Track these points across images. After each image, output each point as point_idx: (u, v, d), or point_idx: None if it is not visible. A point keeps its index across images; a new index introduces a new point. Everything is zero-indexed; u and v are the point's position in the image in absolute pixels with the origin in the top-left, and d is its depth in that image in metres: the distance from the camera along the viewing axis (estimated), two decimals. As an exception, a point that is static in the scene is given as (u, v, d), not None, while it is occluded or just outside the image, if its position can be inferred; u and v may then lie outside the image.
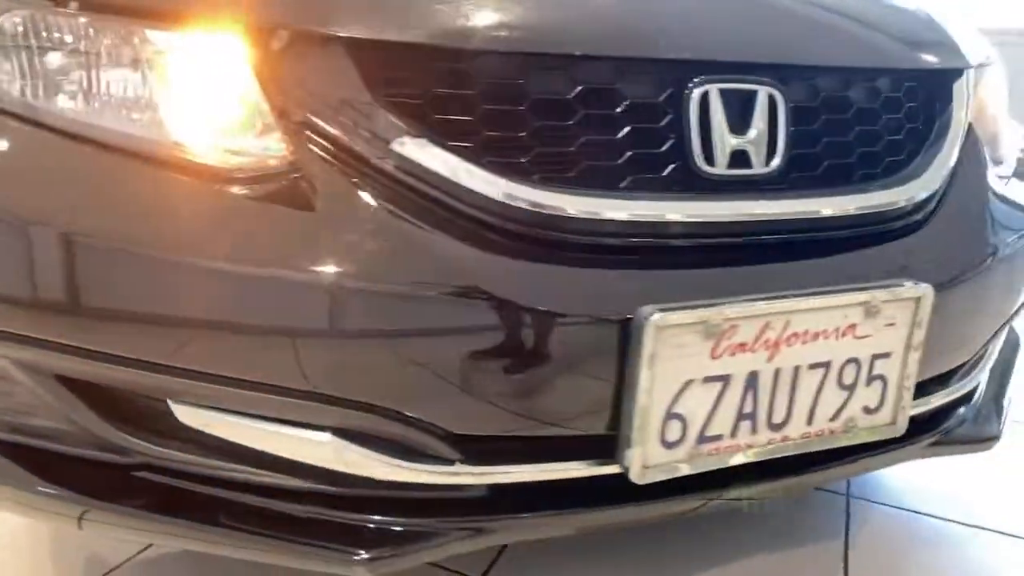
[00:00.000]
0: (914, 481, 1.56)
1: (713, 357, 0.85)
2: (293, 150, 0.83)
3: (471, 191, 0.84)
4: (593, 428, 0.86)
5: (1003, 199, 1.16)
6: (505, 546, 1.31)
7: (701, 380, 0.85)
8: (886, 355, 0.94)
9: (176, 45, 0.85)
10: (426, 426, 0.85)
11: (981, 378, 1.20)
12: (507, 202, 0.84)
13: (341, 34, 0.83)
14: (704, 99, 0.92)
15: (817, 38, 1.01)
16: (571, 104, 0.89)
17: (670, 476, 0.87)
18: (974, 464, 1.56)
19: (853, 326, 0.91)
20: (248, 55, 0.84)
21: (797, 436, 0.93)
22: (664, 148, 0.92)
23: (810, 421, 0.93)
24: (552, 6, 0.91)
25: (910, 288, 0.92)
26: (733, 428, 0.89)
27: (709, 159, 0.92)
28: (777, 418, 0.91)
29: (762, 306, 0.85)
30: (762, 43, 0.96)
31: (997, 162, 1.23)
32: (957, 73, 1.14)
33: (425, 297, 0.81)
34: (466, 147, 0.86)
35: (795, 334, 0.88)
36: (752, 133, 0.94)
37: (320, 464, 0.87)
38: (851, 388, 0.93)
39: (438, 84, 0.86)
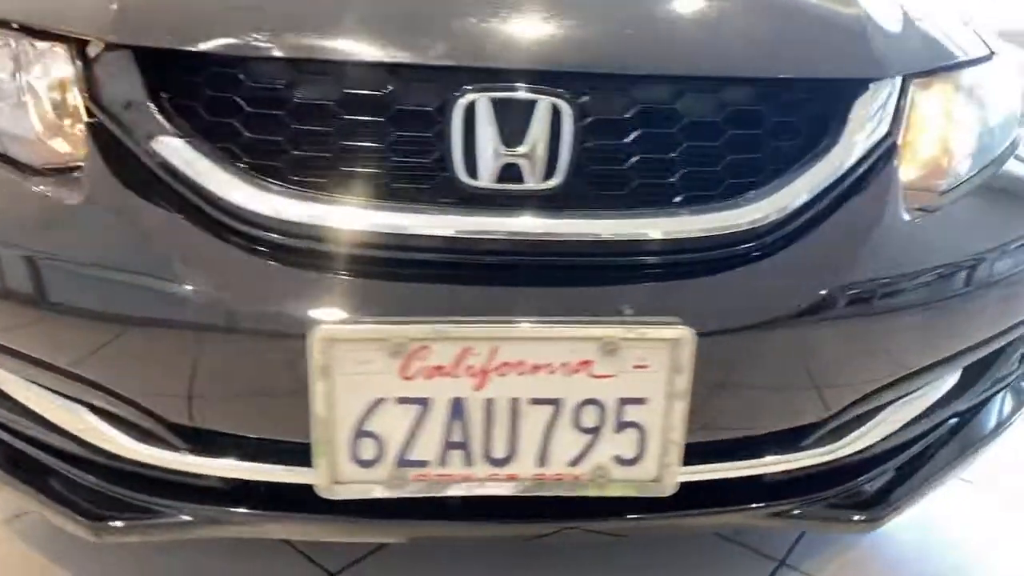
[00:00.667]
0: (867, 552, 1.35)
1: (404, 378, 0.81)
2: (86, 147, 0.91)
3: (208, 192, 0.87)
4: (295, 436, 0.85)
5: (906, 236, 0.97)
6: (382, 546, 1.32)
7: (394, 400, 0.82)
8: (639, 401, 0.83)
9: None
10: (149, 412, 0.89)
11: (853, 448, 1.01)
12: (238, 204, 0.86)
13: (128, 43, 0.90)
14: (471, 108, 0.87)
15: (632, 44, 0.92)
16: (328, 110, 0.89)
17: (365, 496, 0.84)
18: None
19: (587, 363, 0.82)
20: (58, 60, 0.93)
21: (529, 476, 0.85)
22: (425, 159, 0.89)
23: (543, 462, 0.85)
24: (318, 11, 0.91)
25: (662, 329, 0.81)
26: (441, 456, 0.84)
27: (472, 172, 0.88)
28: (497, 453, 0.84)
29: (461, 329, 0.80)
30: (552, 50, 0.89)
31: (938, 189, 1.04)
32: (856, 84, 0.97)
33: (140, 288, 0.85)
34: (225, 149, 0.89)
35: (507, 363, 0.81)
36: (526, 147, 0.87)
37: (82, 435, 0.95)
38: (594, 432, 0.84)
39: (206, 88, 0.90)
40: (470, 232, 0.85)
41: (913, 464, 1.11)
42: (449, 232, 0.85)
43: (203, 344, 0.83)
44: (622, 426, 0.84)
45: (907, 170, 1.02)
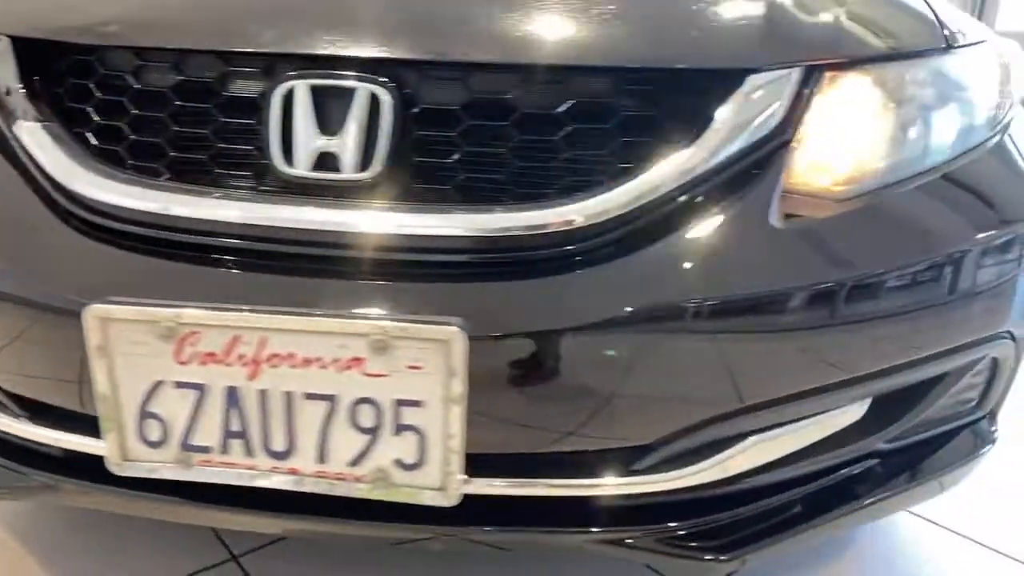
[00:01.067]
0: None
1: (179, 362, 0.81)
2: None
3: (44, 171, 0.91)
4: (90, 410, 0.87)
5: (769, 248, 0.87)
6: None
7: (172, 384, 0.82)
8: (416, 403, 0.79)
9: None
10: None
11: (698, 479, 0.91)
12: (66, 185, 0.89)
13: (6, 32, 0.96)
14: (290, 95, 0.86)
15: (458, 30, 0.88)
16: (157, 97, 0.91)
17: (153, 475, 0.85)
18: None
19: (358, 360, 0.78)
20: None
21: (311, 473, 0.83)
22: (244, 146, 0.89)
23: (322, 459, 0.82)
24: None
25: (432, 328, 0.77)
26: (223, 444, 0.83)
27: (290, 160, 0.87)
28: (276, 446, 0.82)
29: (228, 317, 0.79)
30: (373, 36, 0.87)
31: (836, 196, 0.92)
32: (724, 77, 0.88)
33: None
34: (77, 133, 0.93)
35: (277, 355, 0.79)
36: (341, 135, 0.85)
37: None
38: (373, 433, 0.81)
39: (63, 76, 0.95)
40: (255, 220, 0.84)
41: (797, 505, 0.99)
42: (234, 218, 0.84)
43: (8, 316, 0.86)
44: (400, 429, 0.80)
45: (799, 173, 0.91)
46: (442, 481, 0.81)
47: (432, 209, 0.84)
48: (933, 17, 1.05)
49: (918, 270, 0.92)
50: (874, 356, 0.92)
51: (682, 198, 0.86)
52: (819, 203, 0.92)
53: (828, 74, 0.93)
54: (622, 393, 0.83)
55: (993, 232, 0.99)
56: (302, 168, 0.86)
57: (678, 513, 0.93)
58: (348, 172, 0.85)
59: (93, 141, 0.93)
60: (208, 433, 0.83)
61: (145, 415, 0.83)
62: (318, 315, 0.78)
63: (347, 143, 0.85)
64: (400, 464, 0.81)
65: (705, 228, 0.86)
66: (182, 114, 0.90)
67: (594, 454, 0.87)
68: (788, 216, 0.89)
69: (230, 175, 0.89)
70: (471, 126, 0.86)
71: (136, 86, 0.91)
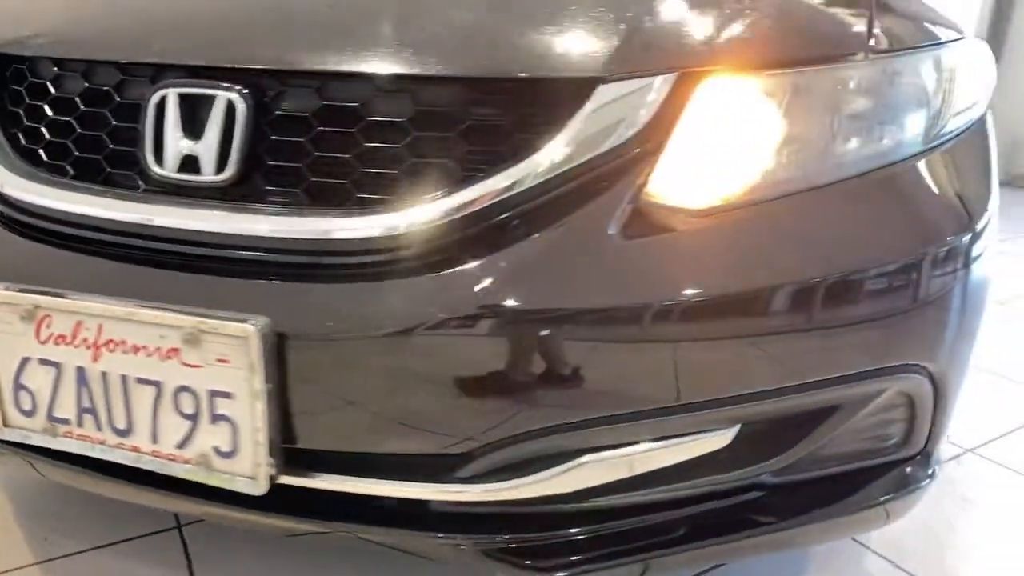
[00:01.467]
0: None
1: (40, 342, 0.90)
2: None
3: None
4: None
5: (600, 262, 0.86)
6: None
7: (37, 360, 0.91)
8: (227, 395, 0.84)
9: None
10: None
11: (522, 493, 0.89)
12: None
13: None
14: (163, 102, 0.94)
15: (307, 40, 0.91)
16: (62, 103, 1.01)
17: (27, 441, 0.95)
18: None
19: (176, 350, 0.84)
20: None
21: (149, 452, 0.90)
22: (128, 147, 0.97)
23: (155, 439, 0.89)
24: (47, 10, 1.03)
25: (232, 325, 0.81)
26: (78, 418, 0.91)
27: (160, 162, 0.94)
28: (119, 423, 0.90)
29: (73, 303, 0.87)
30: (229, 47, 0.92)
31: (692, 211, 0.89)
32: (577, 86, 0.87)
33: None
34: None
35: (112, 341, 0.87)
36: (202, 140, 0.92)
37: None
38: (193, 419, 0.87)
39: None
40: (108, 215, 0.92)
41: (658, 531, 0.96)
42: (90, 213, 0.92)
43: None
44: (215, 418, 0.86)
45: (656, 186, 0.88)
46: (253, 470, 0.86)
47: (261, 211, 0.88)
48: (864, 22, 0.98)
49: (782, 293, 0.87)
50: (724, 381, 0.88)
51: (514, 210, 0.86)
52: (675, 217, 0.88)
53: (699, 83, 0.89)
54: (428, 401, 0.84)
55: (887, 257, 0.92)
56: (169, 170, 0.93)
57: (513, 524, 0.93)
58: (206, 175, 0.91)
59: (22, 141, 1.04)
60: (67, 407, 0.92)
61: (18, 387, 0.93)
62: (142, 306, 0.85)
63: (206, 148, 0.91)
64: (217, 451, 0.86)
65: (533, 241, 0.85)
66: (84, 118, 1.00)
67: (409, 458, 0.88)
68: (633, 229, 0.86)
69: (117, 174, 0.98)
70: (320, 132, 0.90)
71: (53, 93, 1.02)
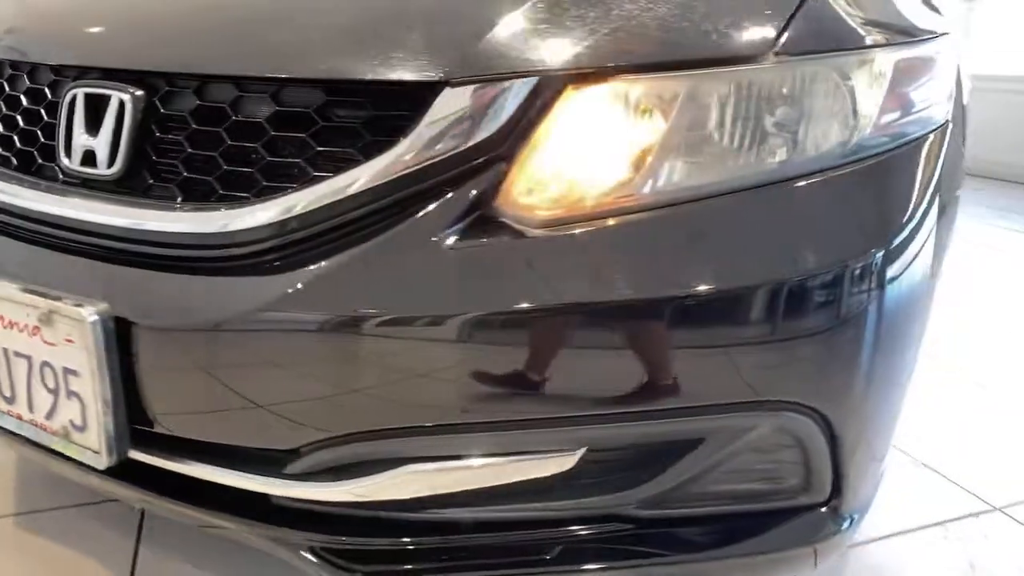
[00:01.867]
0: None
1: (-52, 314, 1.00)
2: None
3: None
4: None
5: (432, 270, 0.84)
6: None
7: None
8: (76, 373, 0.90)
9: None
10: None
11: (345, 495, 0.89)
12: None
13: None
14: (73, 101, 1.02)
15: (185, 45, 0.96)
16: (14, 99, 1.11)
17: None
18: None
19: (37, 328, 0.91)
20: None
21: (28, 420, 0.97)
22: (51, 141, 1.06)
23: (31, 409, 0.96)
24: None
25: (72, 309, 0.87)
26: (-20, 385, 1.01)
27: (69, 156, 1.02)
28: (5, 391, 0.98)
29: (-30, 282, 0.96)
30: (126, 51, 0.99)
31: (534, 221, 0.86)
32: (420, 90, 0.86)
33: None
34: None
35: (2, 316, 0.95)
36: (98, 137, 0.99)
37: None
38: (55, 393, 0.93)
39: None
40: (12, 202, 1.00)
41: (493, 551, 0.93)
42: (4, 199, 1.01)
43: None
44: (70, 394, 0.92)
45: (502, 193, 0.86)
46: (98, 445, 0.91)
47: (128, 204, 0.94)
48: (776, 22, 0.90)
49: (625, 312, 0.82)
50: (556, 401, 0.84)
51: (346, 214, 0.86)
52: (513, 227, 0.85)
53: (560, 88, 0.86)
54: (248, 395, 0.86)
55: (750, 282, 0.84)
56: (74, 163, 1.00)
57: (345, 526, 0.93)
58: (100, 169, 0.98)
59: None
60: (-32, 375, 1.01)
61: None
62: (21, 287, 0.92)
63: (100, 144, 0.98)
64: (73, 425, 0.93)
65: (358, 246, 0.85)
66: (25, 114, 1.09)
67: (241, 449, 0.91)
68: (466, 238, 0.84)
69: (46, 166, 1.07)
70: (194, 131, 0.94)
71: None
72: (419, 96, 0.86)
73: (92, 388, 0.89)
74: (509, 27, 0.87)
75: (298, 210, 0.86)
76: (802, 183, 0.89)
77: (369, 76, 0.86)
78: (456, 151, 0.85)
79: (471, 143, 0.85)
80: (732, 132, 0.88)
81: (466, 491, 0.90)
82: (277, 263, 0.87)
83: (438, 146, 0.85)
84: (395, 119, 0.87)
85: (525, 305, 0.82)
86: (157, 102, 0.96)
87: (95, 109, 0.99)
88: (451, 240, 0.84)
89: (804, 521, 0.97)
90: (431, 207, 0.85)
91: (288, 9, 0.94)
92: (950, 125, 1.04)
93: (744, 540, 0.96)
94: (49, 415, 0.95)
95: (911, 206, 0.93)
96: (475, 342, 0.82)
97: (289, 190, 0.88)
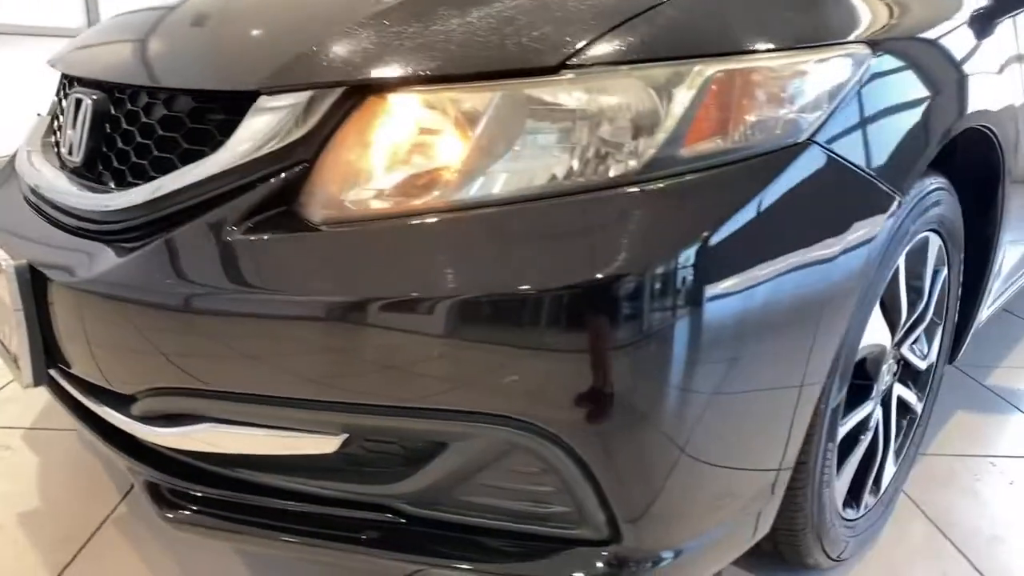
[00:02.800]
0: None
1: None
2: None
3: None
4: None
5: (224, 262, 0.95)
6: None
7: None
8: (11, 310, 1.15)
9: None
10: None
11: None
12: None
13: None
14: (69, 103, 1.29)
15: (124, 62, 1.17)
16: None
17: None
18: None
19: (-2, 273, 1.18)
20: None
21: (6, 345, 1.25)
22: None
23: (5, 337, 1.24)
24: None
25: (4, 259, 1.12)
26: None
27: (64, 146, 1.29)
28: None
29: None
30: (95, 64, 1.24)
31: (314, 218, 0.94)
32: (239, 98, 0.99)
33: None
34: None
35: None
36: (75, 132, 1.25)
37: None
38: (8, 325, 1.19)
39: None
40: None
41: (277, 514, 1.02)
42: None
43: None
44: (12, 326, 1.17)
45: (307, 190, 0.94)
46: (24, 368, 1.15)
47: (72, 184, 1.17)
48: (581, 34, 0.90)
49: (370, 309, 0.86)
50: (310, 384, 0.91)
51: (177, 205, 1.00)
52: (300, 226, 0.94)
53: (360, 98, 0.93)
54: (101, 345, 1.03)
55: (482, 291, 0.84)
56: (63, 151, 1.27)
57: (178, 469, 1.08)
58: (74, 156, 1.23)
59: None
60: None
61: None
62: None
63: (75, 136, 1.23)
64: (16, 349, 1.18)
65: (179, 230, 0.98)
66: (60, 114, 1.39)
67: (107, 389, 1.08)
68: (261, 230, 0.94)
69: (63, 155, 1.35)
70: (123, 130, 1.15)
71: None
72: (242, 103, 0.98)
73: (15, 325, 1.13)
74: (319, 42, 0.96)
75: (145, 198, 1.02)
76: (580, 198, 0.87)
77: (208, 86, 1.01)
78: (265, 152, 0.95)
79: (279, 146, 0.95)
80: (514, 143, 0.88)
81: (261, 457, 1.00)
82: (131, 239, 1.03)
83: (250, 147, 0.96)
84: (230, 123, 0.99)
85: (292, 294, 0.90)
86: (107, 105, 1.18)
87: (76, 110, 1.24)
88: (247, 230, 0.94)
89: (575, 555, 0.93)
90: (238, 200, 0.96)
91: (181, 36, 1.12)
92: (817, 147, 0.92)
93: (512, 560, 0.95)
94: (9, 341, 1.21)
95: (703, 230, 0.85)
96: (249, 320, 0.92)
97: (149, 180, 1.05)
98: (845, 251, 0.97)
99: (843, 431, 1.23)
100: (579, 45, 0.88)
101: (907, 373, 1.48)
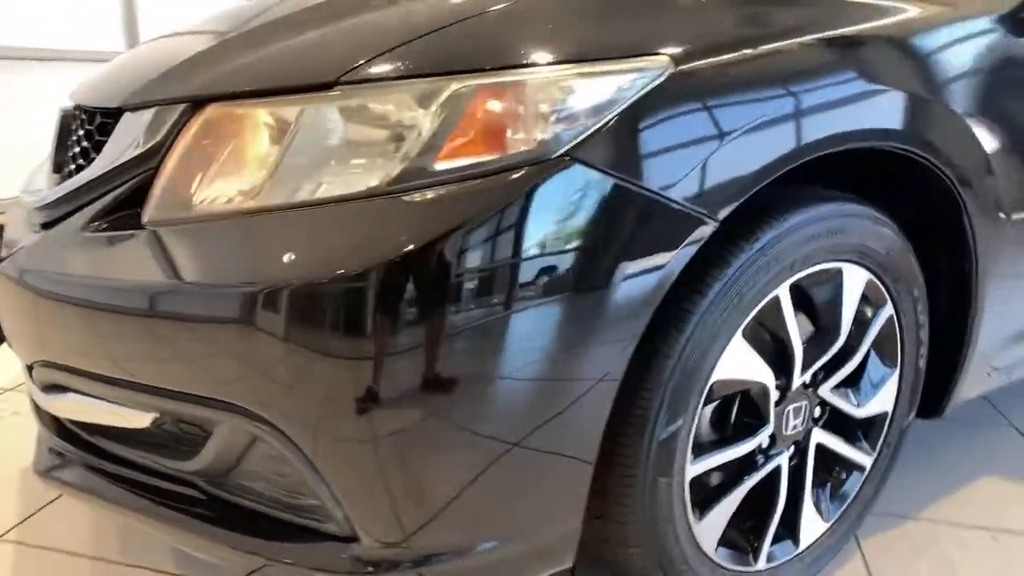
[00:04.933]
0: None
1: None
2: None
3: None
4: None
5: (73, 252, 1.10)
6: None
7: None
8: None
9: None
10: None
11: None
12: None
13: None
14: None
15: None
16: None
17: None
18: None
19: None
20: None
21: None
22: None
23: None
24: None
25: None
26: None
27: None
28: None
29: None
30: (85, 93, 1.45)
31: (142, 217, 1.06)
32: (116, 113, 1.16)
33: None
34: None
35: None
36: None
37: None
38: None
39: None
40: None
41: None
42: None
43: None
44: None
45: (150, 194, 1.05)
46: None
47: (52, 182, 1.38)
48: (358, 53, 0.96)
49: (147, 297, 0.97)
50: (104, 363, 1.04)
51: (71, 203, 1.16)
52: (130, 223, 1.07)
53: (197, 112, 1.04)
54: (14, 321, 1.21)
55: (221, 285, 0.92)
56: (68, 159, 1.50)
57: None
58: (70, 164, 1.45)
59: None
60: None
61: None
62: None
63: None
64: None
65: (59, 226, 1.15)
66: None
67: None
68: (102, 229, 1.08)
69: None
70: (71, 143, 1.35)
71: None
72: (116, 118, 1.13)
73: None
74: (168, 67, 1.10)
75: (50, 199, 1.19)
76: (334, 207, 0.91)
77: (104, 105, 1.17)
78: (124, 160, 1.09)
79: (135, 154, 1.08)
80: (290, 153, 0.95)
81: (113, 429, 1.13)
82: (44, 231, 1.21)
83: (110, 159, 1.11)
84: (110, 136, 1.15)
85: (98, 283, 1.03)
86: (68, 122, 1.39)
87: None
88: (95, 228, 1.08)
89: (322, 548, 0.97)
90: (98, 203, 1.11)
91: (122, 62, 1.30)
92: (578, 163, 0.90)
93: (276, 542, 1.00)
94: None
95: (438, 239, 0.87)
96: (81, 306, 1.05)
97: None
98: (626, 274, 0.93)
99: (701, 467, 1.15)
100: (354, 64, 0.94)
101: (840, 420, 1.34)
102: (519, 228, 0.89)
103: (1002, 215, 1.34)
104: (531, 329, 0.91)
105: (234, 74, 1.03)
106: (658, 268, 0.95)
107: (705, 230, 0.98)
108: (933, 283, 1.41)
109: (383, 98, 0.92)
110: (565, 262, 0.91)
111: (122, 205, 1.08)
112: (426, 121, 0.90)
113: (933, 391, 1.49)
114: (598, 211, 0.92)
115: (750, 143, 0.99)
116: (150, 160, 1.06)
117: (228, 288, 0.91)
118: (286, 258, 0.90)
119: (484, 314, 0.88)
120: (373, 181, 0.91)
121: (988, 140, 1.27)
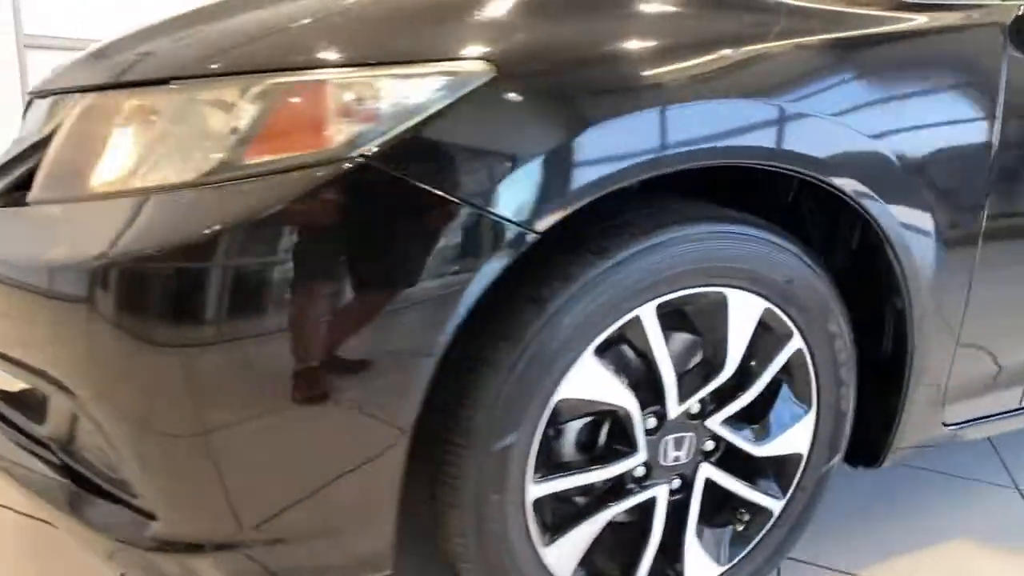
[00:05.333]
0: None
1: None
2: None
3: None
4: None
5: None
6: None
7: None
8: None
9: None
10: None
11: None
12: None
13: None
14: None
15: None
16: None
17: None
18: None
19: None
20: None
21: None
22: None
23: None
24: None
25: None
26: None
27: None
28: None
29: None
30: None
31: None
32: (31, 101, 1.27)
33: None
34: None
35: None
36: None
37: None
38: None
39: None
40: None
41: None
42: None
43: None
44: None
45: (39, 175, 1.16)
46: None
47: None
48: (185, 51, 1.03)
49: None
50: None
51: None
52: (27, 200, 1.16)
53: (76, 101, 1.12)
54: None
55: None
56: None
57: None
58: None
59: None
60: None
61: None
62: None
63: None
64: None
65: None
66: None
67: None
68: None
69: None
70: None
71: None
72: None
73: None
74: (69, 62, 1.18)
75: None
76: (152, 196, 0.96)
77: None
78: (28, 145, 1.19)
79: (36, 140, 1.18)
80: (132, 143, 1.01)
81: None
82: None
83: (24, 140, 1.21)
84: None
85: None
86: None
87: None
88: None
89: (125, 517, 1.01)
90: (8, 181, 1.21)
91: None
92: (374, 165, 0.90)
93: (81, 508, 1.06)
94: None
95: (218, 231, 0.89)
96: None
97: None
98: (420, 279, 0.91)
99: (549, 488, 1.11)
100: (188, 63, 0.99)
101: (741, 458, 1.25)
102: (304, 227, 0.89)
103: (941, 249, 1.22)
104: (313, 330, 0.91)
105: (108, 70, 1.09)
106: (457, 275, 0.92)
107: (521, 240, 0.94)
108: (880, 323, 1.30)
109: (203, 94, 0.96)
110: (355, 263, 0.90)
111: (23, 185, 1.17)
112: (236, 118, 0.93)
113: (877, 437, 1.37)
114: (392, 214, 0.91)
115: (574, 155, 0.95)
116: (44, 144, 1.14)
117: (44, 265, 0.97)
118: (99, 242, 0.94)
119: (264, 311, 0.89)
120: (190, 174, 0.94)
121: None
